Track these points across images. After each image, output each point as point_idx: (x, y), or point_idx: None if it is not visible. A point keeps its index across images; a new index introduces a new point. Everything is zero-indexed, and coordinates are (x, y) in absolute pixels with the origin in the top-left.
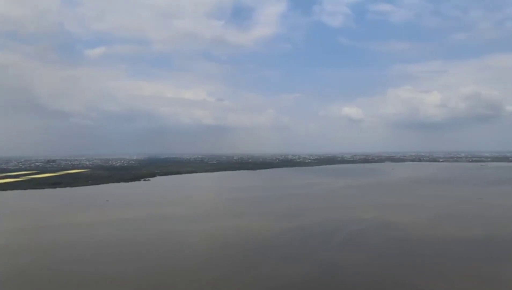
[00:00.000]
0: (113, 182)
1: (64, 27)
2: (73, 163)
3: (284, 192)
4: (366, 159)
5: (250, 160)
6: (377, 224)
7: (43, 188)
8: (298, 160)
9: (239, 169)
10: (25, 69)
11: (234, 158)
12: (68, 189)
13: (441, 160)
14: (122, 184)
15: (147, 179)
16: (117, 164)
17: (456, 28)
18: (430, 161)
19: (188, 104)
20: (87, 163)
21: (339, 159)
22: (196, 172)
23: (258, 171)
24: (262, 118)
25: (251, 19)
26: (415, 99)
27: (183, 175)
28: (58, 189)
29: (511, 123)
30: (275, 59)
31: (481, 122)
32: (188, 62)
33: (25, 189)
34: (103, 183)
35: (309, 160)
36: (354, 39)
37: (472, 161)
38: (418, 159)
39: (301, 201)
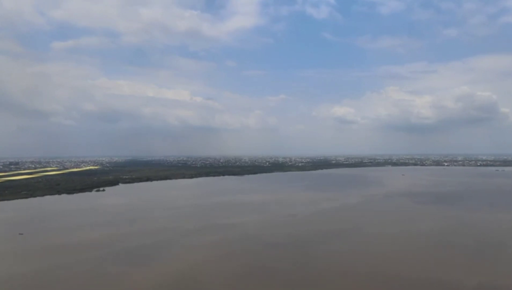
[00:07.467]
0: (55, 193)
1: (25, 17)
2: (37, 166)
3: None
4: (363, 163)
5: (237, 163)
6: None
7: None
8: (289, 163)
9: (223, 174)
10: None
11: (221, 161)
12: None
13: (446, 164)
14: (64, 196)
15: (101, 189)
16: (86, 168)
17: (448, 22)
18: (435, 165)
19: (172, 104)
20: (53, 166)
21: (333, 162)
22: (170, 178)
23: (245, 176)
24: (250, 120)
25: (227, 8)
26: (406, 100)
27: (151, 183)
28: None
29: (506, 125)
30: (257, 56)
31: (475, 124)
32: (164, 58)
33: None
34: (41, 195)
35: (302, 164)
36: (340, 35)
37: (481, 165)
38: (421, 162)
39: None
